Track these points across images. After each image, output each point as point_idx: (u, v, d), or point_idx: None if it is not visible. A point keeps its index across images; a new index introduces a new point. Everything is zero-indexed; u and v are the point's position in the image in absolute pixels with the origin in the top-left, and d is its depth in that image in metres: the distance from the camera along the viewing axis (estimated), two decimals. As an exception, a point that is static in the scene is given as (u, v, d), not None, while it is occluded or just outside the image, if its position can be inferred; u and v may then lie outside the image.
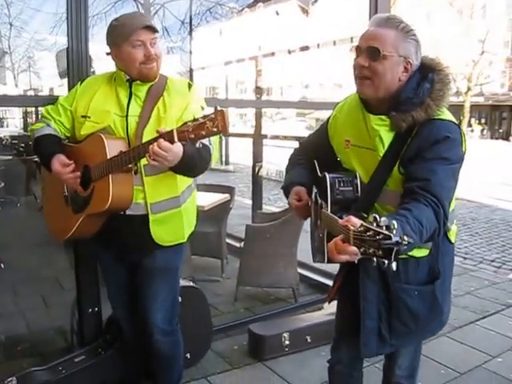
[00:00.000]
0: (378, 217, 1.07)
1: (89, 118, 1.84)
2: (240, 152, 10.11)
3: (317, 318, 3.01)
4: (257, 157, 4.83)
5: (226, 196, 3.97)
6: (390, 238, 1.04)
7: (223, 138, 11.59)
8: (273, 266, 3.43)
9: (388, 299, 1.56)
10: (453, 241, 1.62)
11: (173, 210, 1.90)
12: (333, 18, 30.01)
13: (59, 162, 1.82)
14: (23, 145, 7.43)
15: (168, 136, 1.55)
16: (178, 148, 1.60)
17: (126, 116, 1.81)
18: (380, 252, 1.05)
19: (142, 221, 1.86)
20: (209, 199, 3.73)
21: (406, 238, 1.05)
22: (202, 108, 1.86)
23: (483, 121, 34.68)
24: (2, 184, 5.28)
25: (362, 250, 1.09)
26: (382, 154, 1.48)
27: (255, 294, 3.66)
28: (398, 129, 1.45)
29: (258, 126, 4.98)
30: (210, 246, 3.99)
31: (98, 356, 2.36)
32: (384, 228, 1.05)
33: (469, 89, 30.14)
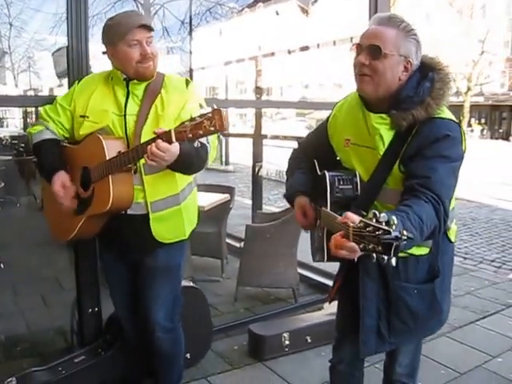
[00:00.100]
0: (377, 213, 1.08)
1: (87, 117, 1.84)
2: (240, 152, 10.11)
3: (317, 318, 3.01)
4: (257, 157, 4.83)
5: (226, 196, 3.97)
6: (389, 233, 1.04)
7: (223, 138, 11.59)
8: (273, 266, 3.43)
9: (387, 297, 1.56)
10: (452, 240, 1.62)
11: (173, 207, 1.90)
12: (333, 18, 30.01)
13: (61, 182, 1.83)
14: (23, 145, 7.42)
15: (166, 136, 1.55)
16: (175, 148, 1.61)
17: (124, 115, 1.81)
18: (380, 247, 1.05)
19: (142, 220, 1.86)
20: (209, 199, 3.73)
21: (405, 232, 1.05)
22: (201, 106, 1.85)
23: (483, 121, 34.67)
24: (2, 184, 5.28)
25: (361, 246, 1.09)
26: (382, 153, 1.48)
27: (255, 294, 3.66)
28: (398, 127, 1.45)
29: (258, 126, 4.98)
30: (209, 246, 3.98)
31: (97, 356, 2.35)
32: (383, 224, 1.05)
33: (469, 89, 30.14)
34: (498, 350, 2.92)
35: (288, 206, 1.80)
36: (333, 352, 1.86)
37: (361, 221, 1.10)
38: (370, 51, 1.44)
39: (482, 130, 33.79)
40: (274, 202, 8.25)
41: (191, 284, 2.69)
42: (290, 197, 1.74)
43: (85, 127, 1.84)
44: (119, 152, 1.72)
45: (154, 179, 1.82)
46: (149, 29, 1.76)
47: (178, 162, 1.67)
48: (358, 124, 1.57)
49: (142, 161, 1.71)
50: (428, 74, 1.48)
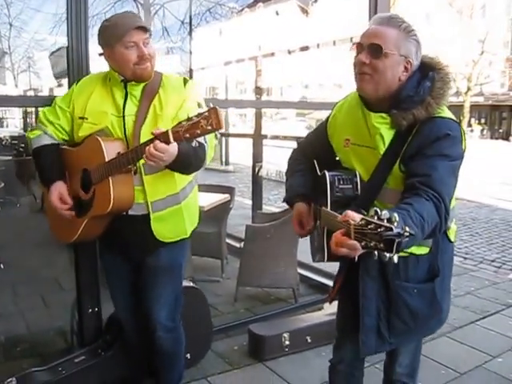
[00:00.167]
0: (378, 210, 1.08)
1: (86, 119, 1.84)
2: (240, 152, 10.11)
3: (317, 318, 3.01)
4: (257, 157, 4.83)
5: (226, 196, 3.97)
6: (391, 229, 1.04)
7: (223, 138, 11.58)
8: (273, 266, 3.43)
9: (387, 297, 1.56)
10: (452, 239, 1.62)
11: (173, 206, 1.90)
12: (333, 18, 30.02)
13: (58, 193, 1.85)
14: (23, 145, 7.41)
15: (163, 137, 1.55)
16: (173, 148, 1.61)
17: (123, 116, 1.81)
18: (382, 245, 1.05)
19: (143, 220, 1.86)
20: (209, 199, 3.73)
21: (407, 229, 1.05)
22: (199, 105, 1.85)
23: (483, 121, 34.67)
24: (2, 184, 5.27)
25: (363, 243, 1.09)
26: (382, 152, 1.48)
27: (255, 294, 3.66)
28: (398, 127, 1.45)
29: (258, 126, 4.98)
30: (210, 246, 3.98)
31: (98, 356, 2.35)
32: (385, 221, 1.05)
33: (469, 89, 30.14)
34: (498, 350, 2.91)
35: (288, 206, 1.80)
36: (333, 352, 1.85)
37: (362, 218, 1.10)
38: (370, 50, 1.44)
39: (482, 130, 33.79)
40: (274, 202, 8.24)
41: (191, 284, 2.69)
42: (289, 200, 1.75)
43: (84, 129, 1.84)
44: (118, 153, 1.72)
45: (153, 179, 1.83)
46: (145, 30, 1.76)
47: (177, 161, 1.67)
48: (357, 124, 1.57)
49: (142, 161, 1.71)
50: (428, 74, 1.49)
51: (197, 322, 2.59)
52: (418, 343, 1.79)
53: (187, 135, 1.50)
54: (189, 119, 1.50)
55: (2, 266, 4.05)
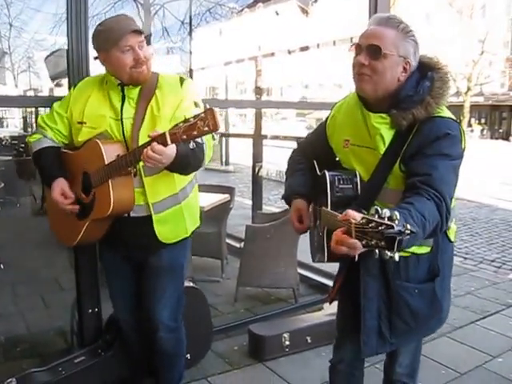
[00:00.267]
0: (379, 209, 1.08)
1: (85, 123, 1.84)
2: (240, 152, 10.11)
3: (317, 318, 3.01)
4: (257, 157, 4.83)
5: (226, 196, 3.97)
6: (392, 227, 1.04)
7: (223, 138, 11.58)
8: (273, 266, 3.43)
9: (388, 297, 1.56)
10: (452, 239, 1.62)
11: (174, 207, 1.91)
12: (333, 18, 30.00)
13: (61, 189, 1.84)
14: (23, 145, 7.42)
15: (161, 139, 1.56)
16: (171, 150, 1.61)
17: (121, 119, 1.82)
18: (383, 243, 1.05)
19: (145, 222, 1.86)
20: (209, 199, 3.73)
21: (408, 226, 1.05)
22: (196, 104, 1.84)
23: (483, 121, 34.66)
24: (2, 184, 5.27)
25: (364, 242, 1.09)
26: (382, 152, 1.48)
27: (255, 294, 3.66)
28: (398, 127, 1.45)
29: (258, 127, 4.98)
30: (210, 246, 3.98)
31: (98, 357, 2.35)
32: (386, 219, 1.05)
33: (469, 89, 30.13)
34: (498, 350, 2.91)
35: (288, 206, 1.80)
36: (333, 352, 1.85)
37: (363, 217, 1.10)
38: (369, 51, 1.44)
39: (482, 130, 33.79)
40: (274, 203, 8.24)
41: (191, 284, 2.69)
42: (287, 197, 1.75)
43: (83, 133, 1.85)
44: (118, 156, 1.73)
45: (153, 180, 1.83)
46: (140, 33, 1.76)
47: (175, 163, 1.67)
48: (357, 124, 1.57)
49: (142, 163, 1.71)
50: (427, 74, 1.49)
51: (197, 322, 2.59)
52: (418, 343, 1.79)
53: (184, 137, 1.51)
54: (185, 121, 1.50)
55: (1, 266, 4.05)
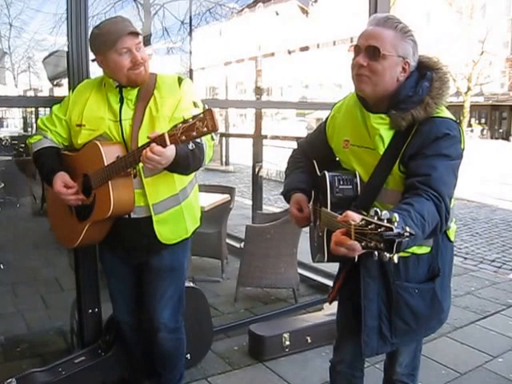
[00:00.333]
0: (378, 210, 1.08)
1: (84, 126, 1.84)
2: (240, 152, 10.11)
3: (317, 318, 3.01)
4: (257, 157, 4.83)
5: (226, 196, 3.97)
6: (391, 229, 1.04)
7: (223, 138, 11.58)
8: (273, 266, 3.43)
9: (389, 298, 1.56)
10: (452, 239, 1.62)
11: (174, 207, 1.91)
12: (333, 18, 29.99)
13: (62, 181, 1.83)
14: (23, 145, 7.42)
15: (160, 140, 1.56)
16: (170, 151, 1.61)
17: (120, 120, 1.82)
18: (382, 245, 1.06)
19: (146, 223, 1.87)
20: (209, 200, 3.73)
21: (408, 229, 1.05)
22: (195, 104, 1.84)
23: (483, 121, 34.67)
24: (2, 184, 5.27)
25: (363, 243, 1.09)
26: (382, 153, 1.48)
27: (255, 294, 3.66)
28: (397, 127, 1.45)
29: (258, 127, 4.98)
30: (210, 246, 3.98)
31: (98, 357, 2.35)
32: (385, 221, 1.05)
33: (469, 89, 30.11)
34: (498, 350, 2.91)
35: (288, 206, 1.80)
36: (333, 352, 1.85)
37: (362, 219, 1.10)
38: (368, 52, 1.44)
39: (482, 130, 33.78)
40: (274, 203, 8.24)
41: (191, 284, 2.69)
42: (286, 193, 1.73)
43: (83, 135, 1.85)
44: (117, 157, 1.73)
45: (153, 181, 1.83)
46: (137, 34, 1.76)
47: (175, 163, 1.68)
48: (356, 125, 1.57)
49: (142, 164, 1.71)
50: (426, 74, 1.49)
51: (197, 322, 2.59)
52: (419, 343, 1.79)
53: (183, 137, 1.51)
54: (184, 121, 1.51)
55: (2, 267, 4.05)
